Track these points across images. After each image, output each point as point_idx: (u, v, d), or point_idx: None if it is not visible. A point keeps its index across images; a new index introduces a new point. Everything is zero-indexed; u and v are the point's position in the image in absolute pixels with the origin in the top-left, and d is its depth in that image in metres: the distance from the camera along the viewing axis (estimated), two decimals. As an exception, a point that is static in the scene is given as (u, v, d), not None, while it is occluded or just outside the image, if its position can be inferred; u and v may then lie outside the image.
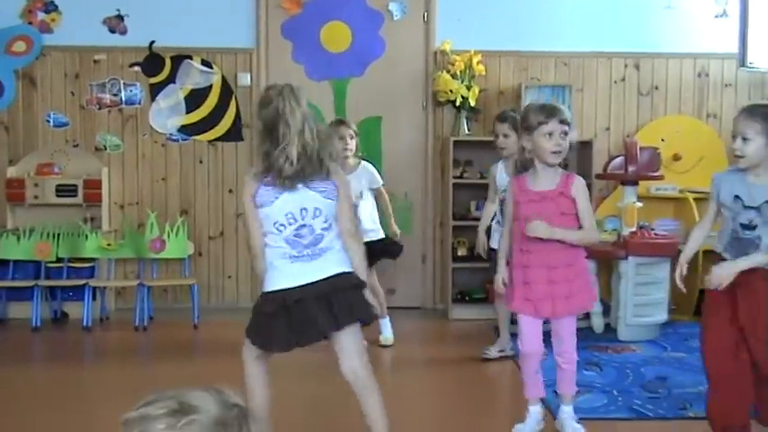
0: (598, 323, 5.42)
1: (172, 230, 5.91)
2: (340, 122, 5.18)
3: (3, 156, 6.16)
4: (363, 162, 5.19)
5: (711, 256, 5.86)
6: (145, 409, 1.18)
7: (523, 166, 3.49)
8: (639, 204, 5.45)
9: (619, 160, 5.66)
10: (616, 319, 5.35)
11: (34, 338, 5.28)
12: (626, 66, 6.41)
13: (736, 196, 3.19)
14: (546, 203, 3.37)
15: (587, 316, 5.53)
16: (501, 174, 4.79)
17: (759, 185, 3.15)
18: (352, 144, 5.06)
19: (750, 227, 3.17)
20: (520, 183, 3.45)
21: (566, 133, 3.34)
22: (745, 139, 3.14)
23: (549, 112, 3.34)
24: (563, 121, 3.33)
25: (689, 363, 4.71)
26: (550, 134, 3.31)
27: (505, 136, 4.79)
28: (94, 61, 6.24)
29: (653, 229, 5.52)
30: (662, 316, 5.35)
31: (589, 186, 5.96)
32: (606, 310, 5.50)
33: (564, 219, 3.38)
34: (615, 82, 6.41)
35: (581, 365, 4.62)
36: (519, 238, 3.42)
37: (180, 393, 1.20)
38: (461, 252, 6.11)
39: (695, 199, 5.97)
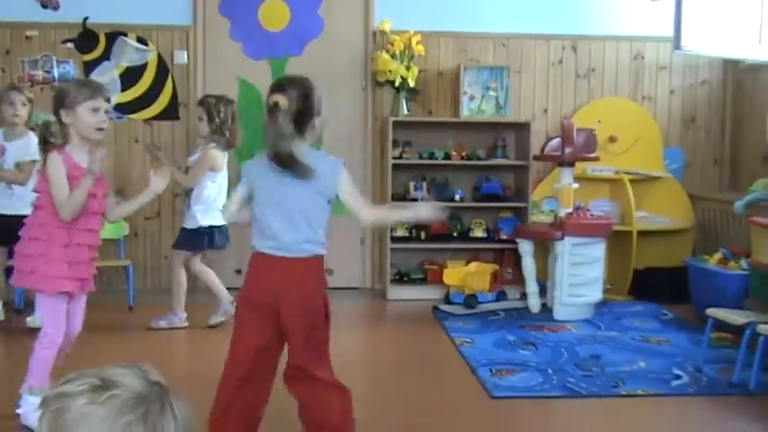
0: (534, 303, 5.49)
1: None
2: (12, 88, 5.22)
3: (-70, 133, 5.97)
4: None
5: (645, 237, 6.00)
6: (64, 387, 1.16)
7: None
8: (576, 185, 5.53)
9: (556, 141, 5.72)
10: (552, 298, 5.42)
11: (18, 320, 5.12)
12: (563, 48, 6.47)
13: None
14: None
15: (524, 296, 5.61)
16: None
17: None
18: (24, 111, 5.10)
19: None
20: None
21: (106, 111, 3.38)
22: None
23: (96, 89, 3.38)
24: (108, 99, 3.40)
25: (622, 341, 4.80)
26: (96, 110, 3.32)
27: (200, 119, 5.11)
28: (26, 37, 6.08)
29: (589, 210, 5.61)
30: (597, 295, 5.44)
31: (527, 168, 6.06)
32: (542, 290, 5.58)
33: None
34: (553, 64, 6.46)
35: (518, 344, 4.71)
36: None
37: (101, 371, 1.19)
38: (400, 232, 6.13)
39: (630, 180, 6.07)
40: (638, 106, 6.50)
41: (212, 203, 5.06)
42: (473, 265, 5.87)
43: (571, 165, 5.55)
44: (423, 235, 6.12)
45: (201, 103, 5.18)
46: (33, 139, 4.80)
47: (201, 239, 5.11)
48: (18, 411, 3.33)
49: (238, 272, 6.04)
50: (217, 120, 5.09)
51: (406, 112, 6.15)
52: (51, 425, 1.14)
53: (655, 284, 5.91)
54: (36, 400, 3.21)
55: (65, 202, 3.24)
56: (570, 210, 5.45)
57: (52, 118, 3.40)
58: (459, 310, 5.56)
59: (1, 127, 5.12)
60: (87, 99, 3.27)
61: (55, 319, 3.34)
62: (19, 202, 4.84)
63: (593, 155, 5.73)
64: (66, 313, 3.39)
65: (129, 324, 5.25)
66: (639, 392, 3.92)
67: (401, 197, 6.11)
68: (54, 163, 3.26)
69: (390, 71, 6.00)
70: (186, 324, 5.14)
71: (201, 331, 5.07)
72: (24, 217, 3.48)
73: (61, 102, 3.30)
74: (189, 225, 5.14)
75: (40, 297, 3.37)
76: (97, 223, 3.41)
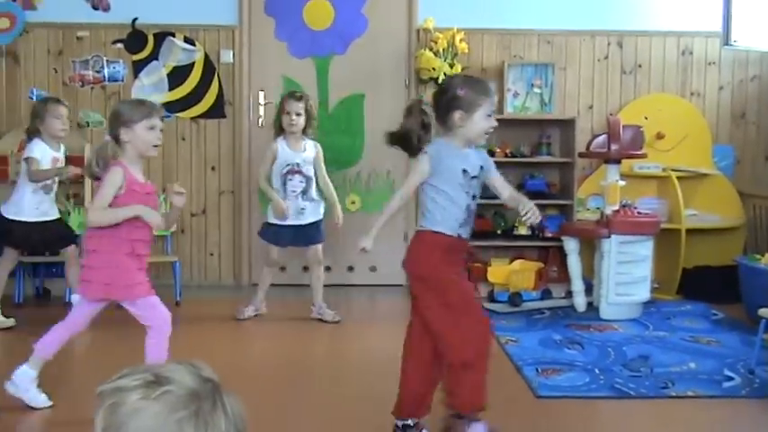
0: (580, 301, 5.44)
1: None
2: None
3: (-15, 133, 6.11)
4: None
5: (694, 235, 5.92)
6: (119, 381, 1.18)
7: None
8: (622, 183, 5.47)
9: (602, 138, 5.66)
10: (598, 297, 5.37)
11: (17, 314, 5.24)
12: (609, 44, 6.40)
13: None
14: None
15: (570, 294, 5.57)
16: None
17: None
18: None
19: None
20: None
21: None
22: None
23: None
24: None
25: (671, 341, 4.74)
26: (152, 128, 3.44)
27: (298, 114, 5.12)
28: (77, 38, 6.18)
29: (636, 208, 5.54)
30: (644, 294, 5.38)
31: (572, 165, 6.00)
32: (588, 289, 5.53)
33: None
34: (598, 60, 6.40)
35: (563, 343, 4.67)
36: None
37: (155, 367, 1.20)
38: (445, 230, 6.11)
39: (678, 177, 5.99)
40: (686, 102, 6.41)
41: None
42: (517, 263, 5.84)
43: (618, 162, 5.49)
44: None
45: (301, 98, 5.18)
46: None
47: None
48: None
49: (282, 269, 6.09)
50: (312, 115, 5.20)
51: (450, 109, 6.12)
52: (107, 419, 1.16)
53: (704, 284, 5.82)
54: None
55: (100, 213, 3.37)
56: (617, 207, 5.39)
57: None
58: (504, 309, 5.53)
59: (41, 137, 5.06)
60: (144, 118, 3.40)
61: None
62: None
63: (640, 152, 5.66)
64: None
65: (176, 319, 5.29)
66: (690, 394, 3.86)
67: (445, 195, 6.08)
68: (115, 174, 3.36)
69: (434, 69, 5.99)
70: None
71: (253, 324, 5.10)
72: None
73: (119, 121, 3.42)
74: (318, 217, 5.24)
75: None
76: (145, 235, 3.55)
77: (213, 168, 6.28)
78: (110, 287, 3.47)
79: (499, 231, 6.17)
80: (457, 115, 3.14)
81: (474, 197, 3.25)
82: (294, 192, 5.18)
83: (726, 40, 5.82)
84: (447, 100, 3.17)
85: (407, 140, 3.28)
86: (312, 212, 5.22)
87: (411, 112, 3.28)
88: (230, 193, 6.31)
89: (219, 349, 4.66)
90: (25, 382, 3.54)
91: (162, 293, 5.65)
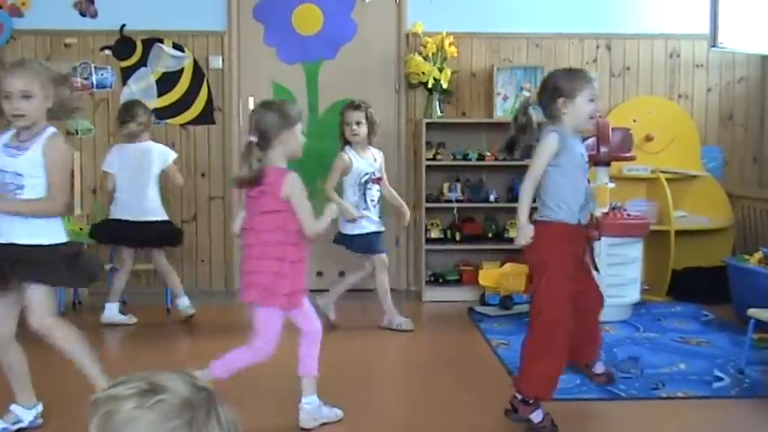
0: (571, 304, 5.45)
1: (145, 215, 5.86)
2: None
3: (-29, 141, 6.08)
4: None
5: (683, 236, 5.94)
6: (114, 390, 1.18)
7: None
8: (612, 185, 5.48)
9: (591, 141, 5.67)
10: (589, 299, 5.37)
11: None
12: (597, 47, 6.43)
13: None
14: None
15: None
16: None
17: None
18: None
19: None
20: None
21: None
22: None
23: None
24: None
25: (662, 343, 4.76)
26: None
27: (358, 124, 5.10)
28: (65, 45, 6.17)
29: (625, 210, 5.56)
30: (634, 296, 5.40)
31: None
32: (579, 291, 5.53)
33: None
34: (587, 63, 6.42)
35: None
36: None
37: (149, 375, 1.21)
38: (434, 234, 6.13)
39: (667, 179, 6.01)
40: (674, 105, 6.44)
41: None
42: (508, 266, 5.84)
43: (607, 164, 5.50)
44: (457, 236, 6.11)
45: (359, 107, 5.16)
46: None
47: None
48: None
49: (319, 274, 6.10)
50: (374, 122, 5.17)
51: (439, 113, 6.15)
52: (101, 427, 1.17)
53: (694, 285, 5.85)
54: None
55: (314, 223, 3.39)
56: (606, 209, 5.41)
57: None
58: (495, 312, 5.55)
59: None
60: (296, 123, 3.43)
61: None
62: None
63: (629, 154, 5.68)
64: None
65: (168, 324, 5.30)
66: (680, 395, 3.88)
67: (435, 199, 6.11)
68: (300, 183, 3.38)
69: (423, 73, 6.00)
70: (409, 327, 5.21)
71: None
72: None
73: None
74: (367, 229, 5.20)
75: None
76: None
77: (203, 175, 6.28)
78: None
79: (490, 234, 6.19)
80: (560, 102, 3.37)
81: (589, 182, 3.50)
82: (373, 201, 5.19)
83: (713, 42, 5.84)
84: (549, 92, 3.41)
85: (515, 144, 3.53)
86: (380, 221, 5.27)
87: (515, 118, 3.54)
88: (220, 199, 6.31)
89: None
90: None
91: (153, 300, 5.71)
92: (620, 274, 5.32)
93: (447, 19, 6.21)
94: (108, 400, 1.17)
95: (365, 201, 5.15)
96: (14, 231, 3.21)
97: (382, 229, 5.26)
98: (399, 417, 3.74)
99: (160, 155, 5.38)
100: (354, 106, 5.16)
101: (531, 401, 3.40)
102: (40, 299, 3.26)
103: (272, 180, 3.32)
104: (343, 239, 5.20)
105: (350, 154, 5.14)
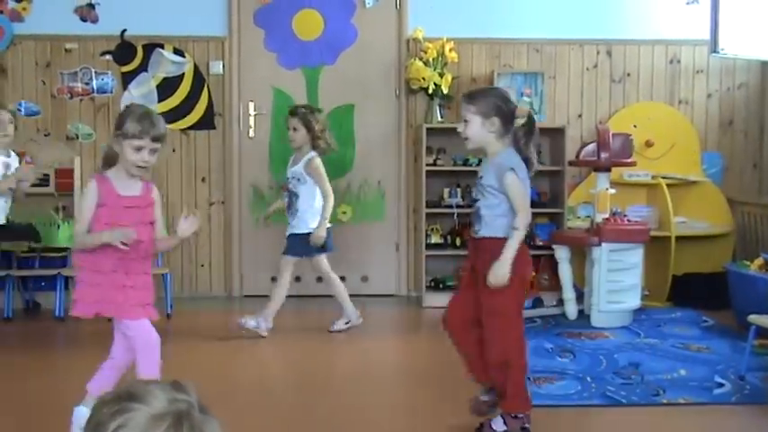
0: (571, 310, 5.45)
1: (145, 220, 5.85)
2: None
3: (-28, 145, 6.08)
4: None
5: (684, 242, 5.94)
6: (97, 417, 1.21)
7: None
8: (612, 191, 5.49)
9: (591, 147, 5.69)
10: (589, 305, 5.38)
11: (6, 328, 5.24)
12: (598, 52, 6.43)
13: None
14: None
15: (561, 303, 5.57)
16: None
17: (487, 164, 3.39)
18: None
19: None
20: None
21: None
22: (465, 122, 3.35)
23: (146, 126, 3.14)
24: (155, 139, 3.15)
25: (662, 349, 4.75)
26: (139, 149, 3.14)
27: (295, 130, 5.13)
28: (66, 50, 6.17)
29: (626, 216, 5.56)
30: (635, 302, 5.39)
31: (562, 173, 6.02)
32: (579, 297, 5.54)
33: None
34: (587, 69, 6.43)
35: (555, 352, 4.67)
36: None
37: (129, 387, 1.23)
38: (435, 239, 6.12)
39: (667, 185, 6.02)
40: (674, 110, 6.44)
41: (319, 209, 5.11)
42: (509, 272, 5.84)
43: (607, 170, 5.51)
44: (458, 241, 6.11)
45: (294, 113, 5.17)
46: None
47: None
48: None
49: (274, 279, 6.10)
50: (315, 129, 5.13)
51: (439, 118, 6.15)
52: None
53: (694, 291, 5.85)
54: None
55: (79, 237, 3.20)
56: (607, 215, 5.41)
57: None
58: (496, 318, 5.53)
59: None
60: (134, 137, 3.11)
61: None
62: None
63: (629, 160, 5.69)
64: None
65: (168, 331, 5.28)
66: (681, 401, 3.87)
67: (436, 204, 6.11)
68: (88, 191, 3.19)
69: (424, 78, 6.00)
70: (265, 334, 5.09)
71: (255, 341, 5.09)
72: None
73: (117, 127, 3.19)
74: (300, 230, 5.14)
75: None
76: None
77: (203, 179, 6.28)
78: (100, 303, 3.29)
79: (490, 240, 6.18)
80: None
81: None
82: (290, 206, 5.19)
83: (713, 48, 5.85)
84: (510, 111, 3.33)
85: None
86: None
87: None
88: (221, 203, 6.31)
89: (210, 362, 4.65)
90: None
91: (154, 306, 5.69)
92: (621, 279, 5.31)
93: (447, 24, 6.21)
94: (96, 429, 1.20)
95: (289, 205, 5.20)
96: None
97: (296, 231, 5.16)
98: (398, 423, 3.73)
99: None
100: (290, 112, 5.22)
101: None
102: None
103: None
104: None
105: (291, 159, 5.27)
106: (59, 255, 5.84)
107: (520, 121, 3.37)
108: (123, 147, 3.13)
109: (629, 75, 6.45)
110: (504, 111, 3.29)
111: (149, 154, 3.15)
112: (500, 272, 3.22)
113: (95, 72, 6.19)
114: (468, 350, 3.47)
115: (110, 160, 3.23)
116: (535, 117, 3.43)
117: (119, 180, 3.20)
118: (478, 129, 3.31)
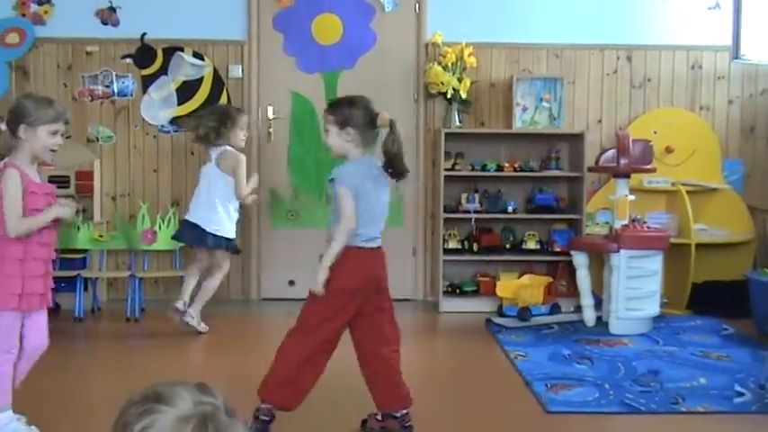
0: (590, 316, 5.42)
1: (163, 222, 5.88)
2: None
3: (-7, 147, 6.12)
4: None
5: (704, 250, 5.90)
6: (125, 418, 1.22)
7: None
8: (632, 197, 5.45)
9: (611, 153, 5.66)
10: (608, 312, 5.35)
11: None
12: (618, 58, 6.40)
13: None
14: None
15: (579, 309, 5.55)
16: None
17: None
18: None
19: None
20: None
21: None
22: (326, 131, 3.48)
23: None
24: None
25: (681, 357, 4.71)
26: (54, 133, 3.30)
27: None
28: (87, 53, 6.20)
29: (645, 222, 5.52)
30: (654, 309, 5.35)
31: (581, 179, 5.99)
32: (598, 304, 5.51)
33: None
34: (607, 74, 6.40)
35: (573, 358, 4.65)
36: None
37: (156, 388, 1.24)
38: (452, 244, 6.10)
39: (688, 192, 5.97)
40: (695, 117, 6.40)
41: None
42: (526, 278, 5.83)
43: (627, 176, 5.48)
44: (475, 247, 6.09)
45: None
46: None
47: None
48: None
49: (291, 283, 6.12)
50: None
51: (458, 123, 6.13)
52: None
53: (714, 298, 5.80)
54: (3, 416, 3.29)
55: (17, 222, 3.22)
56: (626, 222, 5.38)
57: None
58: (513, 323, 5.51)
59: None
60: (49, 121, 3.26)
61: (8, 335, 3.30)
62: None
63: (649, 166, 5.65)
64: (26, 328, 3.36)
65: (185, 333, 5.30)
66: (700, 410, 3.84)
67: (453, 209, 6.09)
68: (13, 179, 3.23)
69: (442, 83, 5.99)
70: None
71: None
72: None
73: (21, 117, 3.26)
74: None
75: None
76: (52, 237, 3.39)
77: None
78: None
79: (508, 246, 6.17)
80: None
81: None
82: None
83: (735, 54, 5.81)
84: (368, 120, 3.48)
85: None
86: None
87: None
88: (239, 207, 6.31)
89: (231, 364, 4.66)
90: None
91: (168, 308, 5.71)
92: (640, 286, 5.28)
93: (467, 29, 6.20)
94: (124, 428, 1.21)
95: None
96: None
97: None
98: (416, 428, 3.72)
99: None
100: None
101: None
102: None
103: None
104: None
105: None
106: (79, 256, 5.86)
107: (384, 130, 3.46)
108: (36, 132, 3.25)
109: (649, 80, 6.41)
110: (358, 121, 3.40)
111: (60, 137, 3.32)
112: (317, 278, 3.33)
113: (116, 75, 6.22)
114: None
115: (3, 150, 3.31)
116: (396, 124, 3.49)
117: (27, 168, 3.30)
118: (335, 138, 3.44)
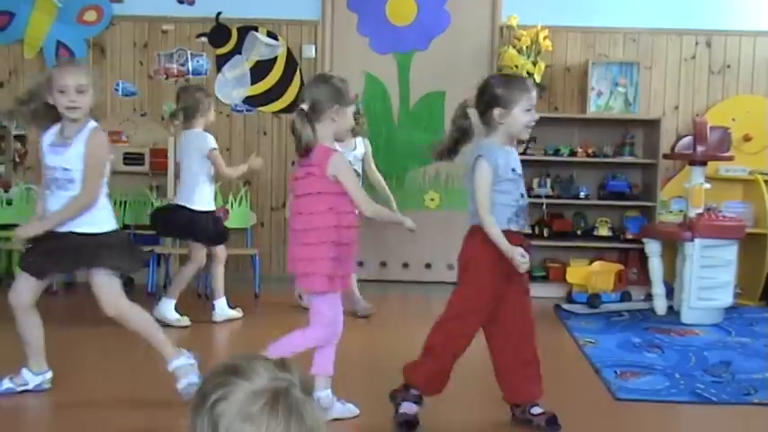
0: (661, 305, 5.35)
1: (235, 200, 5.96)
2: None
3: (72, 123, 6.26)
4: None
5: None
6: (204, 388, 1.25)
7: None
8: (707, 186, 5.35)
9: (687, 140, 5.55)
10: (679, 301, 5.26)
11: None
12: (697, 43, 6.26)
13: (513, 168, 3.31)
14: None
15: (649, 297, 5.47)
16: None
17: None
18: None
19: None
20: None
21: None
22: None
23: None
24: None
25: (754, 348, 4.62)
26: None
27: None
28: (163, 31, 6.31)
29: (720, 211, 5.42)
30: (727, 300, 5.25)
31: (656, 166, 5.88)
32: (669, 292, 5.43)
33: None
34: (685, 59, 6.27)
35: (643, 346, 4.59)
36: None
37: (235, 363, 1.26)
38: (523, 229, 6.05)
39: (765, 181, 5.83)
40: (775, 104, 6.24)
41: None
42: (597, 265, 5.76)
43: (703, 164, 5.37)
44: (546, 232, 6.04)
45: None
46: None
47: None
48: None
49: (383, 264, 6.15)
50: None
51: (531, 107, 6.07)
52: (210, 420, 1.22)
53: (789, 290, 5.66)
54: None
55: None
56: (701, 210, 5.28)
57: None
58: (582, 310, 5.47)
59: None
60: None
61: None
62: None
63: (726, 154, 5.53)
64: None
65: (257, 310, 5.37)
66: (773, 402, 3.77)
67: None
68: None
69: (517, 66, 5.94)
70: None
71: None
72: None
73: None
74: None
75: None
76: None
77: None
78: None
79: (579, 232, 6.10)
80: (497, 112, 3.25)
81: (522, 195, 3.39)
82: None
83: (820, 41, 5.64)
84: (485, 100, 3.30)
85: (455, 147, 3.44)
86: None
87: (453, 121, 3.46)
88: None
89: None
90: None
91: (242, 286, 5.79)
92: (713, 276, 5.18)
93: (542, 12, 6.13)
94: (202, 400, 1.23)
95: None
96: (71, 221, 3.41)
97: None
98: (483, 412, 3.72)
99: None
100: None
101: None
102: (107, 284, 3.47)
103: (318, 159, 3.26)
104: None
105: None
106: (153, 232, 5.96)
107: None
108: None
109: (728, 66, 6.26)
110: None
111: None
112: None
113: (191, 54, 6.31)
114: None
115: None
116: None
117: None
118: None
